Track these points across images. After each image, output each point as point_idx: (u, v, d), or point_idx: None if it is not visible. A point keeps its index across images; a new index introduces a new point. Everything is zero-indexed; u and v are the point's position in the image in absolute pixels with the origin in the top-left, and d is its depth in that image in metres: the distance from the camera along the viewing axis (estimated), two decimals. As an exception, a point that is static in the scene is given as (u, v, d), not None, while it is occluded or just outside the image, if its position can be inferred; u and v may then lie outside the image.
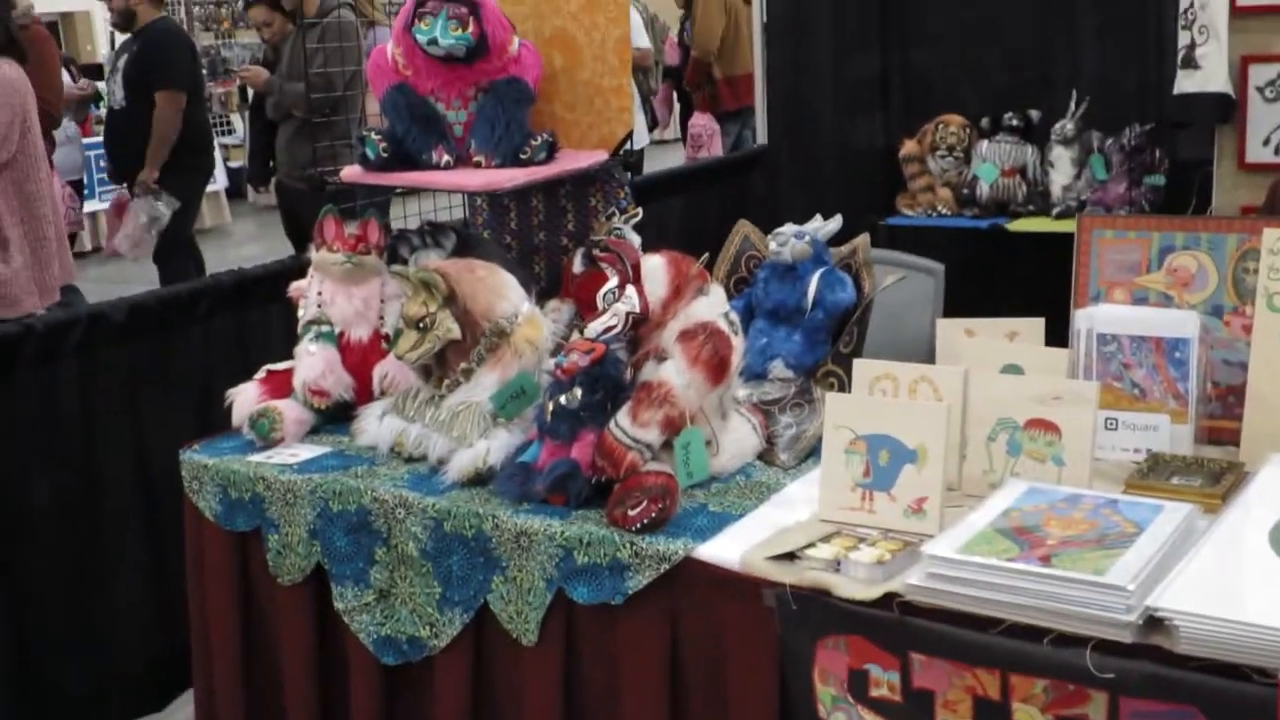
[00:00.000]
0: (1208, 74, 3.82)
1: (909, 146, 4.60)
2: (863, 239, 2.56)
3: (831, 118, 5.07)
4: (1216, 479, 1.95)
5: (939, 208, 4.50)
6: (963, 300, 3.89)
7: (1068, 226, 4.07)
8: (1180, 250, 2.24)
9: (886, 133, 4.91)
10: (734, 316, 2.21)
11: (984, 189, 4.42)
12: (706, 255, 2.30)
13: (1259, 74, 3.81)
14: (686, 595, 1.93)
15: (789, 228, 2.50)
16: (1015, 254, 4.29)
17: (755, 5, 5.24)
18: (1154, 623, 1.55)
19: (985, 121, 4.50)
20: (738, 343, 2.17)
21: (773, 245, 2.49)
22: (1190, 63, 3.86)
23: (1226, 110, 3.84)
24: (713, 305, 2.18)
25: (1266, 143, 3.83)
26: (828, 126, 5.08)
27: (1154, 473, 2.00)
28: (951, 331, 2.37)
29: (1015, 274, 4.18)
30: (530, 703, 2.04)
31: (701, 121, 7.11)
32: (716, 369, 2.10)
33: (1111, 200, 4.16)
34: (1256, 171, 3.77)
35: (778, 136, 5.16)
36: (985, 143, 4.47)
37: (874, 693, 1.75)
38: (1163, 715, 1.55)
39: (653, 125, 8.58)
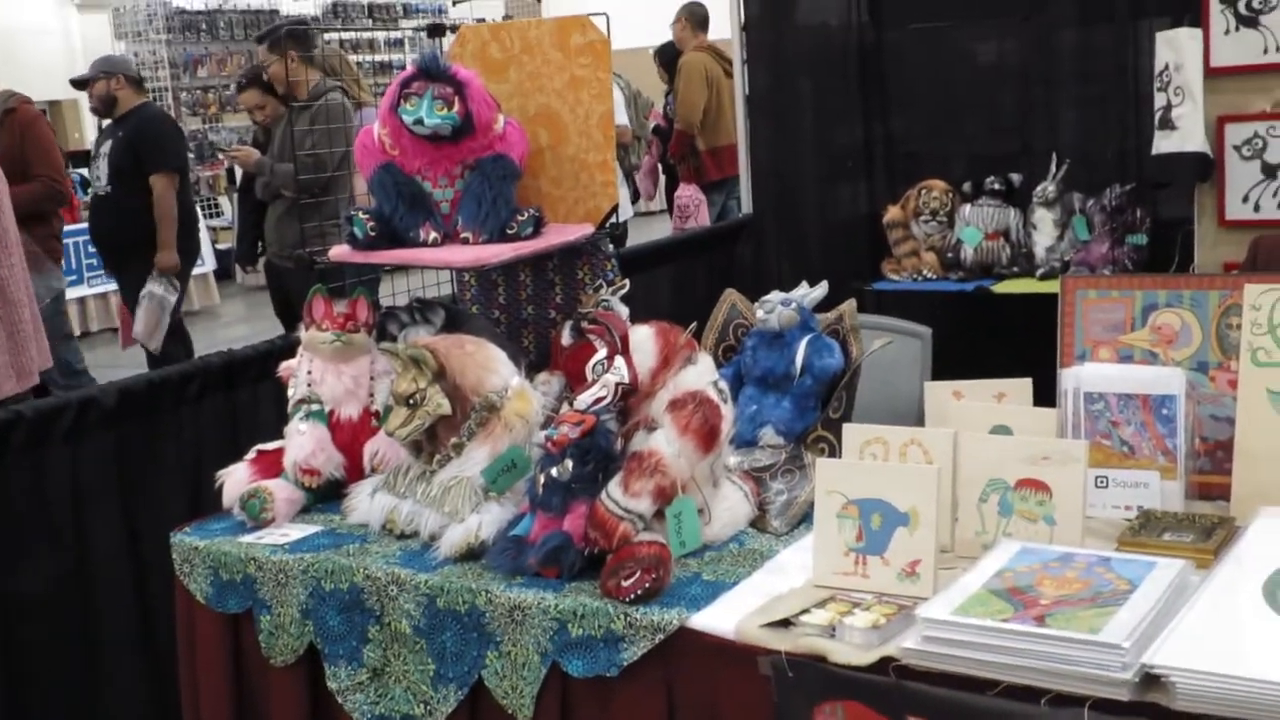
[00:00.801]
0: (1185, 134, 3.87)
1: (893, 212, 4.65)
2: (849, 304, 2.58)
3: (815, 186, 5.13)
4: (1208, 534, 1.95)
5: (924, 272, 4.53)
6: (951, 362, 3.91)
7: (1052, 287, 4.10)
8: (1163, 308, 2.26)
9: (870, 200, 4.96)
10: (723, 385, 2.22)
11: (968, 252, 4.46)
12: (694, 325, 2.32)
13: (1235, 133, 3.86)
14: (682, 665, 1.92)
15: (775, 295, 2.52)
16: (1001, 315, 4.32)
17: (737, 77, 5.32)
18: (1151, 680, 1.55)
19: (968, 186, 4.55)
20: (727, 411, 2.17)
21: (760, 313, 2.50)
22: (1167, 124, 3.91)
23: (1205, 169, 3.88)
24: (701, 374, 2.19)
25: (1246, 200, 3.87)
26: (812, 195, 5.14)
27: (1146, 529, 2.00)
28: (940, 394, 2.38)
29: (1001, 335, 4.20)
30: (527, 780, 2.02)
31: (687, 193, 7.18)
32: (707, 437, 2.10)
33: (1095, 260, 4.20)
34: (1237, 228, 3.81)
35: (762, 206, 5.22)
36: (968, 206, 4.51)
37: (873, 758, 1.74)
38: (1163, 773, 1.54)
39: (636, 197, 8.65)
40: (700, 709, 1.91)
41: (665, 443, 2.08)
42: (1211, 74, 3.85)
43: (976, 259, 4.45)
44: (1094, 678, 1.56)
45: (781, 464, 2.36)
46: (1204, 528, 1.98)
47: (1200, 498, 2.16)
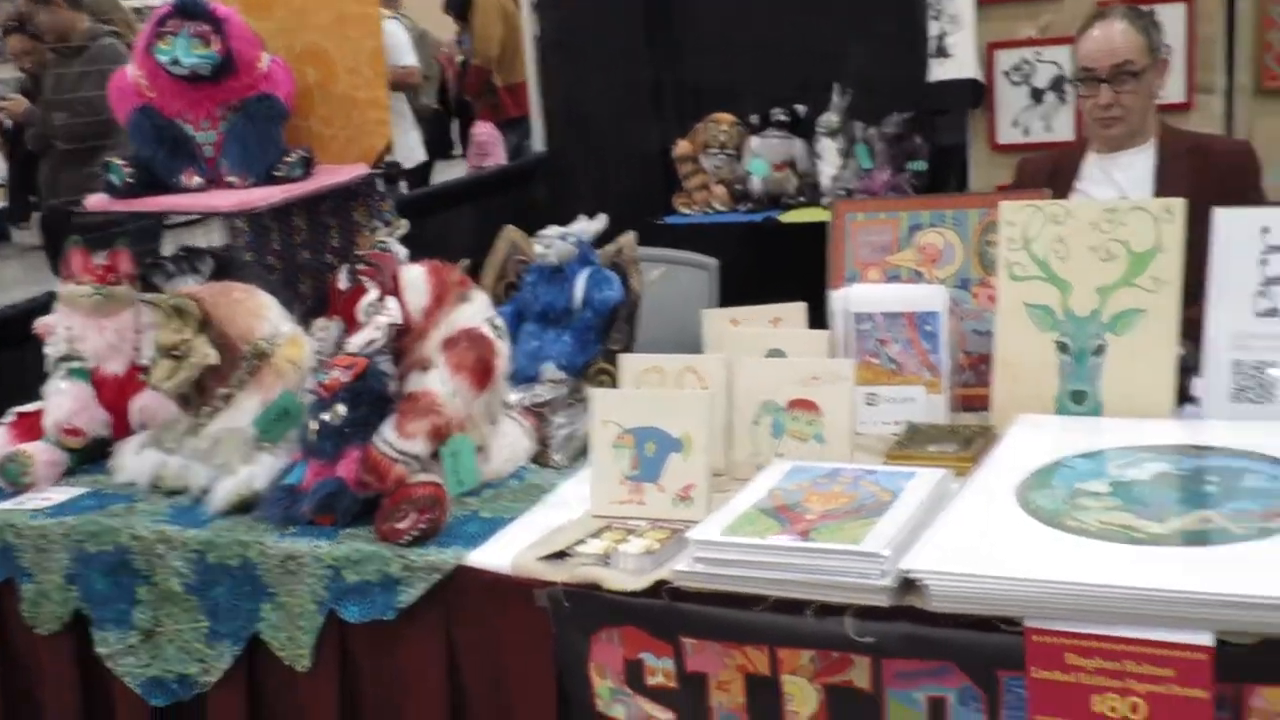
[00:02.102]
0: (958, 62, 3.99)
1: (682, 146, 4.67)
2: (628, 237, 2.57)
3: (607, 122, 5.12)
4: (969, 443, 2.02)
5: (714, 204, 4.58)
6: (741, 293, 3.95)
7: (838, 216, 4.21)
8: (927, 228, 2.32)
9: (662, 134, 4.98)
10: (499, 321, 2.20)
11: (756, 184, 4.51)
12: (467, 261, 2.28)
13: (1005, 59, 3.99)
14: (461, 604, 1.90)
15: (553, 230, 2.50)
16: (789, 244, 4.38)
17: (525, 15, 5.25)
18: (908, 584, 1.59)
19: (754, 118, 4.60)
20: (502, 347, 2.15)
21: (538, 248, 2.48)
22: (941, 51, 4.02)
23: (977, 95, 4.01)
24: (476, 311, 2.16)
25: (1016, 124, 4.01)
26: (604, 131, 5.13)
27: (912, 442, 2.06)
28: (717, 321, 2.41)
29: (790, 264, 4.25)
30: (310, 729, 1.99)
31: (485, 130, 7.08)
32: (481, 374, 2.08)
33: (878, 187, 4.30)
34: (1008, 152, 3.94)
35: (556, 143, 5.19)
36: (755, 139, 4.56)
37: (650, 681, 1.75)
38: (922, 673, 1.59)
39: (450, 145, 8.51)
40: (482, 647, 1.90)
41: (439, 382, 2.05)
42: (981, 2, 3.96)
43: (765, 190, 4.50)
44: (856, 586, 1.60)
45: (563, 398, 2.35)
46: (966, 438, 2.05)
47: (965, 410, 2.24)
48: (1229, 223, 1.99)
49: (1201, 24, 3.71)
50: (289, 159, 2.58)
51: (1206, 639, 1.41)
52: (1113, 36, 2.98)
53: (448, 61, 7.86)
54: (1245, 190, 2.92)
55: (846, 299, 2.22)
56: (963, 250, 2.29)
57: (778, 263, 4.43)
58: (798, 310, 2.36)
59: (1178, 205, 2.00)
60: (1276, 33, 3.61)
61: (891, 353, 2.19)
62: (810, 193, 4.48)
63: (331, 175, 2.67)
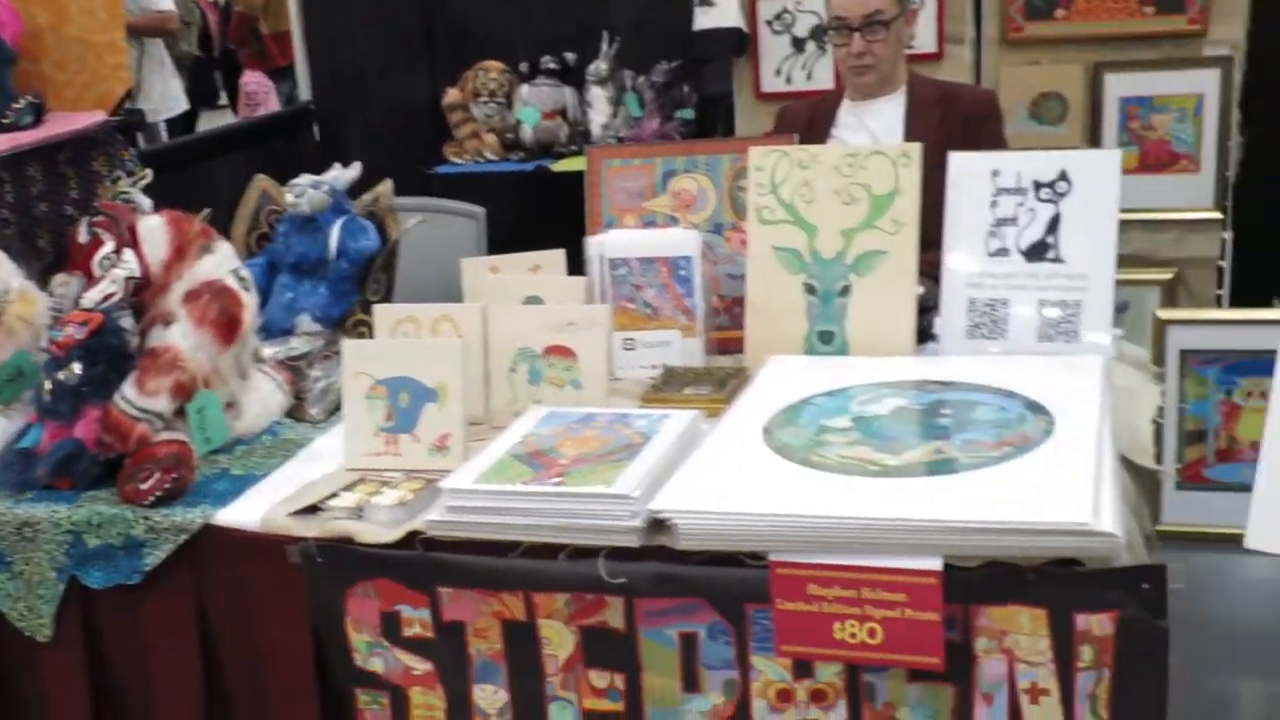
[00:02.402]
0: (721, 10, 4.02)
1: (452, 95, 4.60)
2: (385, 185, 2.52)
3: (376, 71, 5.00)
4: (723, 385, 2.05)
5: (486, 153, 4.53)
6: (513, 242, 3.93)
7: (608, 164, 4.22)
8: (681, 174, 2.35)
9: (433, 83, 4.89)
10: (245, 272, 2.13)
11: (528, 132, 4.48)
12: (209, 211, 2.20)
13: (767, 8, 4.04)
14: (210, 564, 1.85)
15: (305, 178, 2.43)
16: (561, 193, 4.37)
17: (286, -42, 5.08)
18: (658, 525, 1.61)
19: (524, 66, 4.56)
20: (249, 299, 2.08)
21: (289, 197, 2.41)
22: (705, 0, 4.04)
23: (741, 44, 4.06)
24: (220, 263, 2.09)
25: (779, 73, 4.08)
26: (373, 80, 5.01)
27: (668, 385, 2.08)
28: (476, 270, 2.39)
29: (561, 212, 4.25)
30: (55, 701, 1.91)
31: (254, 80, 6.81)
32: (226, 328, 2.01)
33: (647, 135, 4.32)
34: (772, 100, 3.99)
35: (323, 93, 5.05)
36: (525, 87, 4.53)
37: (407, 633, 1.74)
38: (674, 610, 1.62)
39: (215, 94, 8.14)
40: (233, 607, 1.85)
41: (182, 336, 1.98)
42: (743, -49, 4.00)
43: (536, 138, 4.48)
44: (607, 528, 1.61)
45: (319, 351, 2.30)
46: (720, 379, 2.08)
47: (721, 352, 2.28)
48: (962, 166, 2.07)
49: (950, -24, 3.84)
50: (17, 105, 2.45)
51: (935, 564, 1.47)
52: None
53: (209, 7, 7.52)
54: (989, 137, 3.04)
55: (602, 245, 2.23)
56: (716, 195, 2.32)
57: (549, 211, 4.41)
58: (557, 257, 2.36)
59: (914, 150, 2.07)
60: (1019, -15, 3.76)
61: (647, 297, 2.21)
62: (582, 141, 4.48)
63: (66, 123, 2.54)
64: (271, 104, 6.98)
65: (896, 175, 2.07)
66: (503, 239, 3.70)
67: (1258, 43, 3.75)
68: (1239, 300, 3.76)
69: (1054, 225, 2.03)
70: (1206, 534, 3.15)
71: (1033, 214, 2.03)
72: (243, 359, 2.12)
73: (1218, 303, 3.74)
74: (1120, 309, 3.68)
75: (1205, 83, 3.68)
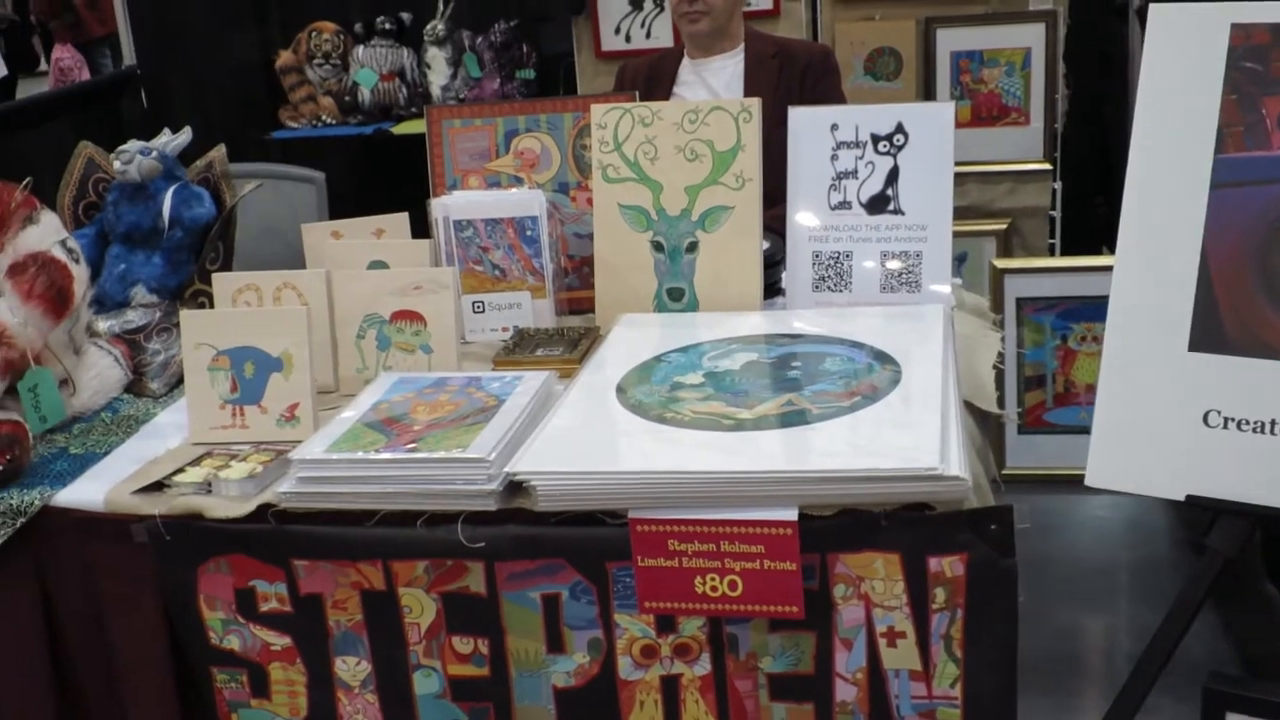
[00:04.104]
0: (558, -32, 3.99)
1: (285, 57, 4.49)
2: (218, 150, 2.44)
3: (204, 33, 4.83)
4: (575, 345, 2.05)
5: (323, 117, 4.43)
6: (355, 206, 3.86)
7: (449, 125, 4.17)
8: (524, 133, 2.33)
9: (265, 45, 4.76)
10: (73, 244, 2.04)
11: (365, 95, 4.40)
12: (30, 180, 2.10)
13: (604, -35, 4.03)
14: (53, 547, 1.78)
15: (134, 144, 2.34)
16: (403, 156, 4.31)
17: (103, -84, 4.87)
18: (516, 487, 1.61)
19: (359, 27, 4.47)
20: (79, 271, 2.00)
21: (118, 164, 2.32)
22: (542, -42, 4.01)
23: (579, 3, 4.03)
24: (45, 234, 2.00)
25: (618, 31, 4.07)
26: (201, 42, 4.83)
27: (519, 348, 2.07)
28: (318, 235, 2.34)
29: (403, 176, 4.19)
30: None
31: (66, 54, 6.51)
32: (55, 302, 1.93)
33: (488, 96, 4.28)
34: (612, 59, 4.00)
35: (149, 58, 4.85)
36: (361, 48, 4.44)
37: (263, 608, 1.70)
38: (535, 572, 1.62)
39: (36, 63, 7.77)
40: (79, 591, 1.78)
41: (8, 312, 1.89)
42: (579, -93, 3.97)
43: (375, 101, 4.40)
44: (463, 493, 1.60)
45: (157, 322, 2.22)
46: (572, 340, 2.08)
47: (572, 312, 2.27)
48: (801, 121, 2.09)
49: (784, -68, 3.88)
50: None
51: (790, 514, 1.50)
52: None
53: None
54: (827, 91, 3.09)
55: (446, 207, 2.20)
56: (559, 154, 2.31)
57: (391, 175, 4.36)
58: (400, 221, 2.32)
59: (754, 105, 2.08)
60: (852, -58, 3.81)
61: (495, 259, 2.19)
62: (421, 103, 4.40)
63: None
64: (85, 78, 6.66)
65: (738, 131, 2.08)
66: (345, 204, 3.63)
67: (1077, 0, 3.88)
68: (1070, 248, 3.90)
69: (893, 178, 2.06)
70: (1048, 476, 3.27)
71: (872, 167, 2.07)
72: (75, 334, 2.05)
73: (1050, 251, 3.87)
74: (959, 259, 3.80)
75: (1031, 37, 3.79)
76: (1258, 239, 1.48)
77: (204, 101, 4.81)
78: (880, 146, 2.07)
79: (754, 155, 2.08)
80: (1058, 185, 3.85)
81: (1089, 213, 3.99)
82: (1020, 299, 3.38)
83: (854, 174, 2.08)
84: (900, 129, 2.07)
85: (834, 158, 2.09)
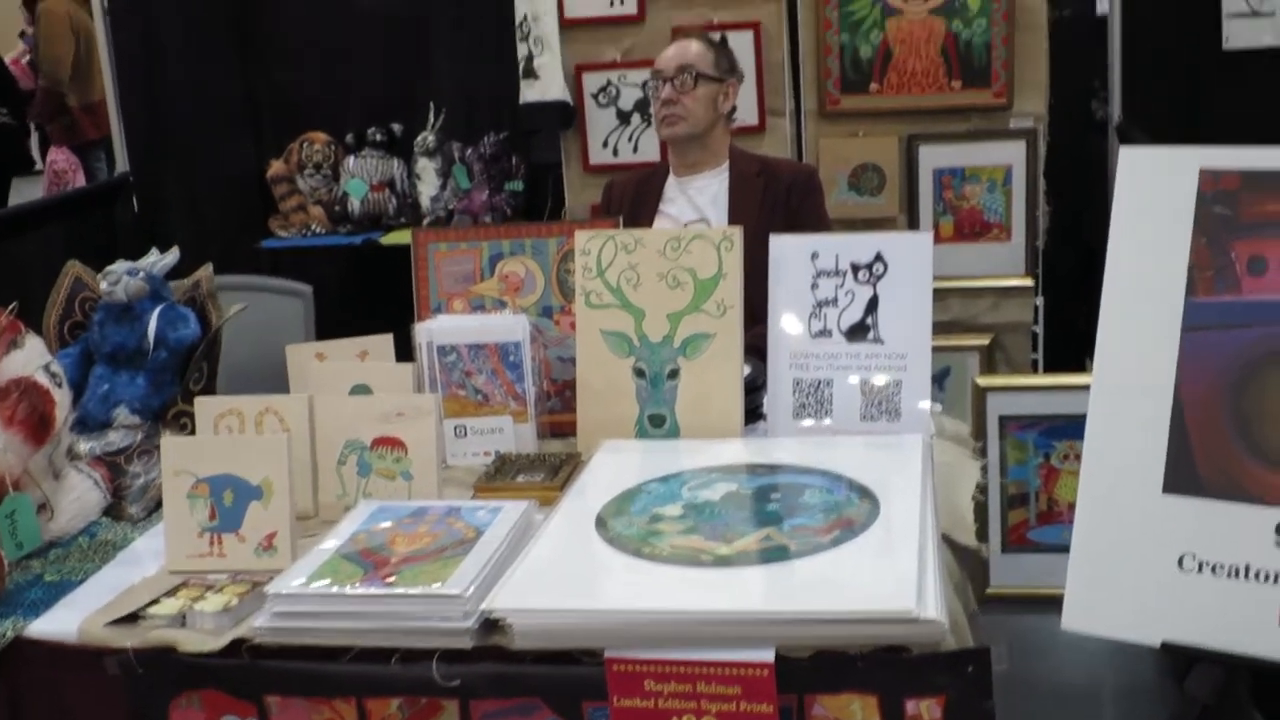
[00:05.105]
0: (546, 84, 4.06)
1: (276, 167, 4.54)
2: (205, 269, 2.46)
3: (197, 141, 4.88)
4: (556, 471, 2.05)
5: (313, 226, 4.47)
6: (342, 317, 3.88)
7: (438, 236, 4.20)
8: (509, 257, 2.35)
9: (258, 154, 4.80)
10: (56, 367, 2.05)
11: (355, 205, 4.44)
12: (16, 304, 2.12)
13: (592, 82, 4.09)
14: (26, 678, 1.76)
15: (120, 265, 2.36)
16: (391, 267, 4.34)
17: (100, 25, 4.93)
18: (492, 624, 1.59)
19: (350, 137, 4.52)
20: (61, 396, 2.01)
21: (104, 285, 2.34)
22: (530, 73, 4.08)
23: (568, 117, 4.10)
24: (29, 358, 2.01)
25: (606, 145, 4.13)
26: (194, 151, 4.89)
27: (500, 473, 2.07)
28: (302, 357, 2.35)
29: (392, 287, 4.22)
30: None
31: (61, 156, 6.57)
32: (37, 427, 1.94)
33: (477, 207, 4.32)
34: (600, 172, 4.05)
35: (142, 164, 4.91)
36: (352, 158, 4.49)
37: (234, 745, 1.68)
38: (510, 711, 1.60)
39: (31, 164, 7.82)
40: (51, 721, 1.77)
41: (-11, 439, 1.89)
42: (566, 25, 4.05)
43: (364, 211, 4.44)
44: (439, 630, 1.59)
45: (139, 444, 2.22)
46: (553, 466, 2.08)
47: (553, 436, 2.28)
48: (782, 249, 2.11)
49: (769, 50, 3.94)
50: None
51: (767, 656, 1.49)
52: (686, 47, 3.18)
53: (22, 71, 7.24)
54: (809, 209, 3.13)
55: (430, 332, 2.21)
56: (544, 278, 2.33)
57: (379, 285, 4.38)
58: (384, 342, 2.33)
59: (735, 233, 2.11)
60: (834, 60, 3.88)
61: (477, 384, 2.20)
62: (411, 213, 4.45)
63: None
64: (80, 180, 6.70)
65: (720, 259, 2.10)
66: (332, 314, 3.66)
67: (1058, 116, 3.95)
68: (1053, 361, 3.92)
69: (873, 306, 2.08)
70: (1032, 595, 3.24)
71: (851, 295, 2.09)
72: (56, 457, 2.05)
73: (1033, 366, 3.89)
74: (942, 374, 3.81)
75: (1012, 154, 3.85)
76: (1230, 382, 1.49)
77: (196, 209, 4.86)
78: (860, 275, 2.09)
79: (735, 283, 2.10)
80: (1040, 301, 3.88)
81: (1071, 328, 4.01)
82: (1003, 417, 3.37)
83: (834, 302, 2.10)
84: (879, 258, 2.09)
85: (814, 285, 2.11)
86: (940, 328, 3.83)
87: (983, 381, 3.49)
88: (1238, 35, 4.08)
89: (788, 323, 2.11)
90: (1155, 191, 1.55)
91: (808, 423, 2.07)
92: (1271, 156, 1.50)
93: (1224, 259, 1.50)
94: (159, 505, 2.12)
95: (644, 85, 3.52)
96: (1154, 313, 1.53)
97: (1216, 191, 1.52)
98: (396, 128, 4.50)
